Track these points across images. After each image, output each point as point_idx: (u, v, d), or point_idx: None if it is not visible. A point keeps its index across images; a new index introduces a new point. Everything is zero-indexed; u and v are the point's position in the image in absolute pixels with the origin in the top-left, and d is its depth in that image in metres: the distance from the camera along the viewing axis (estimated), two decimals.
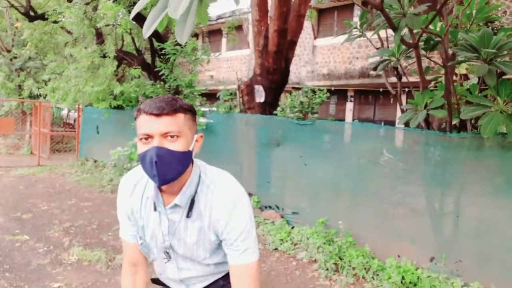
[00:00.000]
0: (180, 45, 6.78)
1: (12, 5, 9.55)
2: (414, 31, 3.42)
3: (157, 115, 1.13)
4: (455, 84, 4.03)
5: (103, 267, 3.82)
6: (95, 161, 9.18)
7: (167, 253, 1.35)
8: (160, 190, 1.28)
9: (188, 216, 1.27)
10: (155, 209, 1.29)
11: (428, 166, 3.99)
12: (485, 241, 3.43)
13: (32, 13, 9.47)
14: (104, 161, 8.57)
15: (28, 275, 3.62)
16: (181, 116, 1.17)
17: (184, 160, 1.19)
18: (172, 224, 1.30)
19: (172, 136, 1.15)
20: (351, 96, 13.71)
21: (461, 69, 4.48)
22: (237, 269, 1.27)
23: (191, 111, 1.22)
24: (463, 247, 3.52)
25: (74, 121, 13.34)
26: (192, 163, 1.28)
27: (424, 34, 3.47)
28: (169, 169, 1.15)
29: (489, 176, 3.59)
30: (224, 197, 1.26)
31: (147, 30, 1.44)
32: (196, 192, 1.27)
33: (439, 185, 3.88)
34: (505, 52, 2.98)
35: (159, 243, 1.34)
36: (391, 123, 11.27)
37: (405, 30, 3.54)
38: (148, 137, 1.15)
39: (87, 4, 7.76)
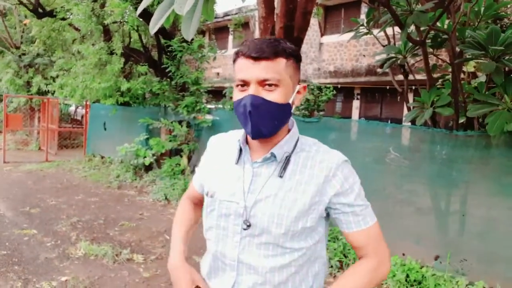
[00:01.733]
0: (186, 42, 6.80)
1: (21, 2, 9.63)
2: (421, 28, 3.40)
3: (255, 58, 0.99)
4: (462, 82, 4.01)
5: (109, 262, 3.87)
6: (102, 157, 9.25)
7: (246, 221, 1.07)
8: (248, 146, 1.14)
9: (280, 175, 1.06)
10: (236, 161, 1.12)
11: (434, 165, 3.97)
12: (491, 240, 3.41)
13: (40, 10, 9.54)
14: (111, 157, 8.64)
15: (36, 268, 3.67)
16: (282, 62, 1.01)
17: (282, 113, 1.03)
18: (257, 180, 1.08)
19: (270, 85, 1.00)
20: (358, 94, 13.65)
21: (469, 67, 4.45)
22: (367, 233, 1.10)
23: (294, 56, 1.04)
24: (468, 245, 3.50)
25: (82, 117, 13.44)
26: (290, 120, 1.13)
27: (431, 32, 3.45)
28: (264, 121, 1.01)
29: (495, 175, 3.56)
30: (335, 155, 1.11)
31: (154, 26, 1.45)
32: (293, 150, 1.10)
33: (445, 183, 3.86)
34: None
35: (232, 204, 1.09)
36: (398, 121, 11.21)
37: (412, 28, 3.52)
38: (244, 83, 1.01)
39: (95, 1, 7.80)
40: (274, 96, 1.00)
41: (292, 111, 1.07)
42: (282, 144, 1.09)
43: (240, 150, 1.13)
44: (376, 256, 1.10)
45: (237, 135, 1.18)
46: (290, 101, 1.05)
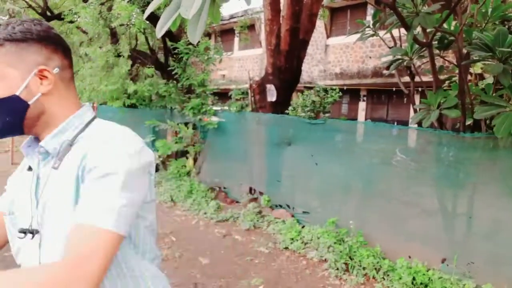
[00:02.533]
0: (193, 44, 6.84)
1: (29, 6, 9.75)
2: (428, 30, 3.39)
3: None
4: (469, 83, 3.98)
5: None
6: None
7: (30, 226, 0.92)
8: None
9: (55, 166, 0.91)
10: (29, 168, 0.98)
11: (441, 167, 3.95)
12: (498, 242, 3.39)
13: (48, 13, 9.65)
14: None
15: None
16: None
17: (8, 108, 0.88)
18: (41, 180, 0.94)
19: None
20: (364, 96, 13.61)
21: (476, 69, 4.42)
22: (78, 229, 0.82)
23: (14, 40, 0.88)
24: (476, 248, 3.48)
25: None
26: (66, 109, 0.95)
27: (438, 33, 3.43)
28: None
29: (503, 177, 3.54)
30: (103, 135, 0.92)
31: (160, 29, 1.46)
32: (74, 139, 0.93)
33: (452, 185, 3.84)
34: None
35: (24, 212, 0.95)
36: (405, 123, 11.16)
37: (418, 29, 3.51)
38: None
39: (102, 4, 7.87)
40: None
41: (31, 102, 0.90)
42: (55, 133, 0.93)
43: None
44: (64, 265, 0.79)
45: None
46: (19, 92, 0.88)
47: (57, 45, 0.94)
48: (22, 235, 0.91)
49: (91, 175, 0.85)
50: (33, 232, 0.91)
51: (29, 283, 0.76)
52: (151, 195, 0.99)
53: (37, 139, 0.98)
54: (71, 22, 9.25)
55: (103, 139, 0.90)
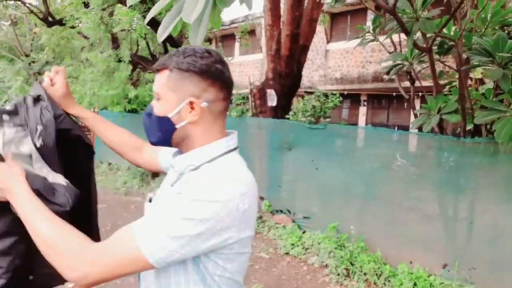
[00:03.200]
0: None
1: (31, 11, 9.80)
2: (427, 35, 3.40)
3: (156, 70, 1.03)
4: (470, 88, 3.99)
5: None
6: (110, 164, 9.31)
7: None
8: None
9: (172, 184, 1.04)
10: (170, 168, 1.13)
11: (442, 171, 3.94)
12: (500, 248, 3.37)
13: (50, 19, 9.69)
14: (118, 164, 8.70)
15: None
16: (165, 74, 0.98)
17: (160, 125, 1.00)
18: (161, 185, 1.14)
19: (156, 97, 1.02)
20: (364, 101, 13.62)
21: (477, 74, 4.43)
22: (127, 228, 0.92)
23: (180, 69, 0.96)
24: (477, 254, 3.46)
25: None
26: (205, 137, 1.01)
27: (438, 38, 3.45)
28: (148, 129, 1.05)
29: (504, 182, 3.53)
30: (210, 172, 0.96)
31: (162, 34, 1.47)
32: (200, 166, 0.98)
33: (453, 190, 3.83)
34: None
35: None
36: (405, 128, 11.16)
37: (418, 34, 3.52)
38: None
39: (104, 10, 7.91)
40: (156, 107, 1.01)
41: (178, 126, 0.99)
42: (186, 156, 1.02)
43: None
44: (93, 247, 0.89)
45: None
46: (171, 115, 0.98)
47: (215, 79, 1.00)
48: None
49: (177, 189, 0.96)
50: None
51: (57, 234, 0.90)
52: (237, 247, 0.94)
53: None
54: (73, 27, 9.29)
55: (212, 173, 0.95)
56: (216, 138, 1.02)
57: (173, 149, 1.12)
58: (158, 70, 1.00)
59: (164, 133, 1.01)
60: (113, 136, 1.38)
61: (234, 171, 0.99)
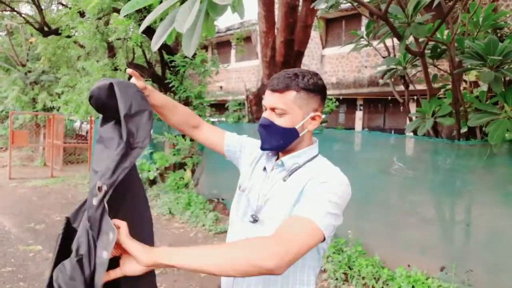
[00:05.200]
0: (189, 57, 6.90)
1: (27, 21, 9.83)
2: (420, 39, 3.44)
3: (272, 91, 1.23)
4: (464, 91, 4.03)
5: None
6: None
7: (254, 216, 1.25)
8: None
9: (284, 179, 1.25)
10: (264, 168, 1.33)
11: (438, 174, 3.96)
12: (497, 250, 3.39)
13: (46, 29, 9.73)
14: None
15: (41, 284, 3.67)
16: (291, 94, 1.21)
17: (285, 135, 1.24)
18: (268, 183, 1.28)
19: (277, 112, 1.22)
20: (361, 105, 13.68)
21: (471, 76, 4.47)
22: (294, 219, 1.08)
23: (307, 89, 1.22)
24: (474, 256, 3.48)
25: (87, 132, 13.56)
26: (308, 141, 1.30)
27: (431, 42, 3.48)
28: (270, 138, 1.25)
29: (499, 184, 3.55)
30: (327, 166, 1.25)
31: (155, 44, 1.49)
32: (304, 164, 1.26)
33: (449, 193, 3.85)
34: (511, 60, 2.98)
35: (251, 201, 1.29)
36: (402, 131, 11.19)
37: (411, 39, 3.56)
38: (265, 108, 1.26)
39: (99, 19, 7.94)
40: (280, 120, 1.22)
41: (301, 134, 1.25)
42: (293, 155, 1.27)
43: (265, 158, 1.36)
44: (274, 237, 1.02)
45: None
46: (297, 126, 1.23)
47: (325, 95, 1.29)
48: (251, 219, 1.25)
49: (314, 181, 1.16)
50: (256, 220, 1.24)
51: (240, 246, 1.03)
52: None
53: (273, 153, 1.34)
54: (69, 36, 9.32)
55: (328, 168, 1.25)
56: (311, 142, 1.31)
57: (251, 142, 1.49)
58: (278, 91, 1.21)
59: (286, 141, 1.25)
60: (172, 116, 1.46)
61: (335, 167, 1.27)
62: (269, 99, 1.24)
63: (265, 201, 1.25)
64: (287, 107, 1.21)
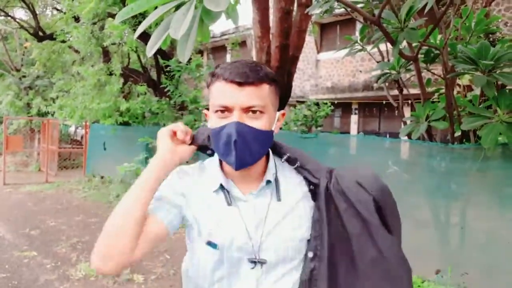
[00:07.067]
0: (184, 62, 6.91)
1: (21, 26, 9.81)
2: (413, 44, 3.47)
3: (240, 84, 0.92)
4: (457, 95, 4.06)
5: (109, 282, 3.84)
6: (102, 177, 9.25)
7: (253, 259, 0.97)
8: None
9: (279, 199, 1.01)
10: (229, 202, 1.00)
11: (432, 178, 3.99)
12: (491, 252, 3.41)
13: (41, 34, 9.71)
14: (111, 177, 8.64)
15: None
16: (265, 88, 0.96)
17: (266, 141, 0.99)
18: (258, 213, 0.99)
19: (254, 112, 0.94)
20: (356, 109, 13.74)
21: (464, 81, 4.51)
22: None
23: (276, 82, 1.00)
24: (469, 259, 3.50)
25: (81, 137, 13.49)
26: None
27: (424, 47, 3.52)
28: (249, 150, 0.94)
29: (493, 187, 3.58)
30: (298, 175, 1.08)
31: (150, 49, 1.50)
32: (276, 168, 1.05)
33: (444, 196, 3.87)
34: (503, 64, 3.01)
35: (239, 245, 0.97)
36: (397, 135, 11.25)
37: (405, 44, 3.59)
38: (226, 109, 0.94)
39: (94, 23, 7.95)
40: (259, 123, 0.95)
41: (273, 139, 1.05)
42: (270, 167, 1.04)
43: (223, 187, 1.02)
44: None
45: (204, 169, 1.12)
46: (273, 128, 1.00)
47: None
48: (253, 265, 0.97)
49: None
50: (262, 262, 0.97)
51: None
52: None
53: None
54: (63, 41, 9.31)
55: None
56: None
57: (181, 180, 1.07)
58: (253, 84, 0.94)
59: (265, 149, 1.01)
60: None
61: None
62: (239, 95, 0.92)
63: (263, 236, 0.97)
64: (265, 103, 0.95)
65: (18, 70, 12.51)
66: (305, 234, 1.00)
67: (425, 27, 3.77)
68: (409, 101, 5.65)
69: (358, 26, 12.32)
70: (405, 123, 4.17)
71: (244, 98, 0.93)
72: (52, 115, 10.30)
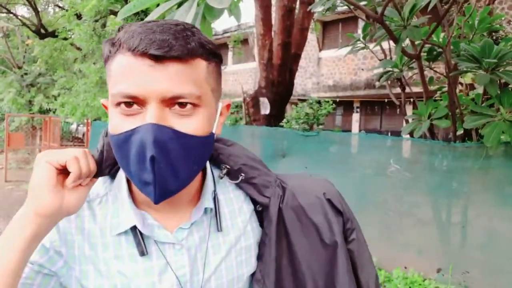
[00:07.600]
0: None
1: (23, 24, 9.82)
2: (416, 42, 3.46)
3: (158, 58, 0.55)
4: (460, 93, 4.05)
5: None
6: None
7: None
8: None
9: (219, 229, 0.72)
10: (143, 252, 0.65)
11: (434, 176, 3.98)
12: (493, 251, 3.41)
13: (43, 31, 9.72)
14: None
15: None
16: (201, 65, 0.59)
17: (203, 153, 0.64)
18: (192, 255, 0.69)
19: (183, 105, 0.58)
20: (357, 107, 13.73)
21: (467, 79, 4.50)
22: None
23: (218, 56, 0.63)
24: (470, 257, 3.49)
25: (83, 135, 13.52)
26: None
27: (427, 45, 3.51)
28: (175, 171, 0.58)
29: (495, 185, 3.58)
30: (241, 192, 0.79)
31: None
32: (215, 188, 0.74)
33: (446, 195, 3.87)
34: (506, 62, 3.00)
35: None
36: (398, 134, 11.24)
37: (407, 42, 3.58)
38: (135, 102, 0.57)
39: (96, 21, 7.95)
40: (192, 124, 0.59)
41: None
42: (208, 187, 0.72)
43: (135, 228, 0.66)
44: None
45: (100, 197, 0.70)
46: (214, 130, 0.65)
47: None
48: None
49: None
50: None
51: None
52: None
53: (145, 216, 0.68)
54: (65, 39, 9.33)
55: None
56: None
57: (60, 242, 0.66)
58: (179, 59, 0.56)
59: (202, 163, 0.66)
60: None
61: None
62: (156, 79, 0.55)
63: (204, 282, 0.69)
64: (201, 91, 0.59)
65: (20, 68, 12.54)
66: (255, 269, 0.76)
67: (428, 25, 3.76)
68: (411, 100, 5.63)
69: (361, 24, 12.30)
70: (407, 121, 4.17)
71: (166, 82, 0.55)
72: (54, 112, 10.32)
